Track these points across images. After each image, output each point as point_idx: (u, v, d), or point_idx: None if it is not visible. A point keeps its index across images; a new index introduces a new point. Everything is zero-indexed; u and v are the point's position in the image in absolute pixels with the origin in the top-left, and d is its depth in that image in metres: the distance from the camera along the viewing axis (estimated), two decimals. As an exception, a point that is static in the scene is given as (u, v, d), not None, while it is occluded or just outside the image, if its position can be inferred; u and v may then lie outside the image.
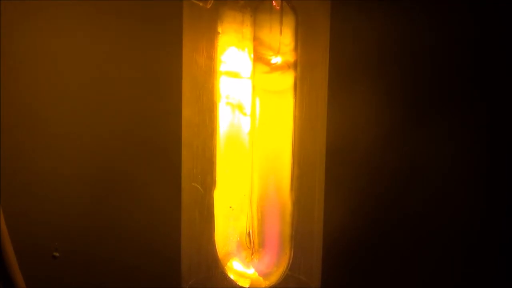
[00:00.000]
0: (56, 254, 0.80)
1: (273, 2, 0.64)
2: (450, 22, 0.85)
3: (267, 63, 0.64)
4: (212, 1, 0.65)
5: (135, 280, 0.83)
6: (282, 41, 0.64)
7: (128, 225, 0.82)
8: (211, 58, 0.66)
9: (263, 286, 0.68)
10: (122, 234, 0.82)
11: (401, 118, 0.86)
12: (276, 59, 0.64)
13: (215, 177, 0.68)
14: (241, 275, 0.69)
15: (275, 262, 0.68)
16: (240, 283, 0.69)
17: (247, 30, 0.64)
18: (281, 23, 0.64)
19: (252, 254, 0.67)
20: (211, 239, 0.69)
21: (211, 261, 0.69)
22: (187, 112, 0.69)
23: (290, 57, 0.65)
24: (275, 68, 0.64)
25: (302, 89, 0.67)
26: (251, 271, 0.68)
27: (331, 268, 0.75)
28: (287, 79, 0.66)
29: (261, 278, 0.68)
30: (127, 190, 0.82)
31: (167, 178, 0.80)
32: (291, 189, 0.68)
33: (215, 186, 0.68)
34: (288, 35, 0.65)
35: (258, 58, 0.64)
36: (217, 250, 0.69)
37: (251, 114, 0.65)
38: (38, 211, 0.78)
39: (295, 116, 0.67)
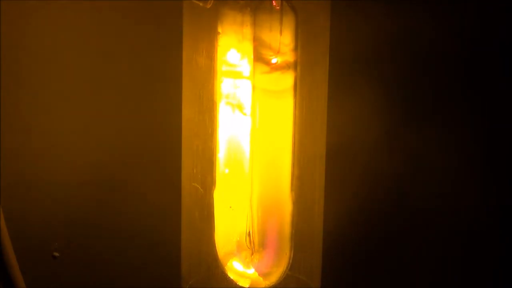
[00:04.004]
0: (56, 254, 0.80)
1: (273, 2, 0.63)
2: (450, 22, 0.85)
3: (267, 63, 0.64)
4: (212, 1, 0.65)
5: (135, 280, 0.83)
6: (282, 41, 0.64)
7: (128, 225, 0.82)
8: (211, 58, 0.66)
9: (263, 286, 0.68)
10: (122, 234, 0.82)
11: (401, 118, 0.86)
12: (276, 59, 0.64)
13: (215, 177, 0.68)
14: (241, 275, 0.69)
15: (275, 262, 0.68)
16: (240, 283, 0.69)
17: (247, 30, 0.64)
18: (281, 23, 0.64)
19: (252, 254, 0.67)
20: (211, 239, 0.69)
21: (211, 261, 0.69)
22: (187, 112, 0.69)
23: (290, 57, 0.65)
24: (275, 68, 0.64)
25: (302, 89, 0.67)
26: (251, 271, 0.68)
27: (331, 268, 0.75)
28: (287, 79, 0.66)
29: (261, 278, 0.68)
30: (127, 190, 0.82)
31: (167, 178, 0.80)
32: (291, 189, 0.68)
33: (215, 186, 0.68)
34: (288, 35, 0.65)
35: (258, 58, 0.64)
36: (217, 250, 0.69)
37: (251, 114, 0.65)
38: (38, 211, 0.78)
39: (295, 116, 0.67)
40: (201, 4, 0.65)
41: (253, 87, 0.65)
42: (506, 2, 0.85)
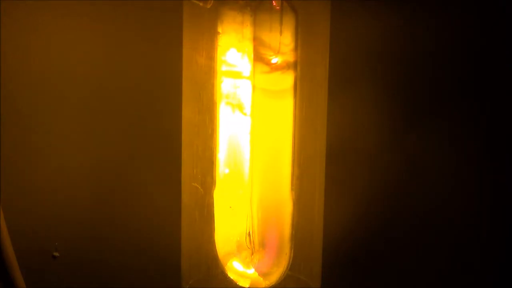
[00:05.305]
0: (56, 254, 0.80)
1: (273, 2, 0.63)
2: (451, 22, 0.85)
3: (267, 63, 0.64)
4: (212, 1, 0.65)
5: (135, 280, 0.83)
6: (282, 41, 0.64)
7: (128, 225, 0.82)
8: (211, 58, 0.66)
9: (263, 286, 0.68)
10: (122, 234, 0.82)
11: (401, 118, 0.86)
12: (276, 59, 0.64)
13: (215, 177, 0.68)
14: (241, 275, 0.69)
15: (275, 262, 0.68)
16: (240, 283, 0.69)
17: (247, 30, 0.64)
18: (281, 23, 0.64)
19: (252, 254, 0.67)
20: (211, 239, 0.69)
21: (211, 261, 0.69)
22: (187, 112, 0.69)
23: (290, 57, 0.65)
24: (275, 68, 0.64)
25: (302, 89, 0.67)
26: (251, 271, 0.68)
27: (331, 268, 0.75)
28: (287, 79, 0.66)
29: (261, 278, 0.68)
30: (127, 190, 0.82)
31: (167, 178, 0.80)
32: (291, 189, 0.68)
33: (215, 186, 0.68)
34: (288, 35, 0.65)
35: (258, 58, 0.64)
36: (217, 250, 0.69)
37: (251, 114, 0.65)
38: (38, 211, 0.78)
39: (295, 116, 0.67)
40: (201, 4, 0.65)
41: (253, 87, 0.65)
42: (506, 2, 0.85)
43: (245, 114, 0.66)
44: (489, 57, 0.86)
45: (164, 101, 0.80)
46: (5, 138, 0.75)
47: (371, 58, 0.85)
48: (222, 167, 0.67)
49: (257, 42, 0.64)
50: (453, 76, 0.87)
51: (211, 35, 0.65)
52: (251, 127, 0.66)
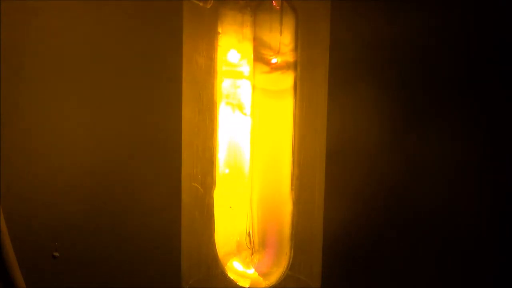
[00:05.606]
0: (56, 254, 0.80)
1: (273, 2, 0.64)
2: (450, 22, 0.85)
3: (267, 63, 0.64)
4: (212, 1, 0.65)
5: (135, 280, 0.83)
6: (282, 41, 0.64)
7: (128, 225, 0.82)
8: (211, 58, 0.66)
9: (263, 286, 0.68)
10: (122, 234, 0.82)
11: (401, 118, 0.86)
12: (276, 59, 0.64)
13: (215, 177, 0.68)
14: (241, 275, 0.69)
15: (275, 262, 0.68)
16: (240, 283, 0.69)
17: (247, 30, 0.64)
18: (281, 23, 0.64)
19: (252, 254, 0.67)
20: (211, 239, 0.69)
21: (211, 261, 0.69)
22: (187, 112, 0.69)
23: (290, 57, 0.65)
24: (275, 68, 0.64)
25: (302, 89, 0.67)
26: (251, 271, 0.68)
27: (331, 268, 0.75)
28: (287, 79, 0.66)
29: (261, 278, 0.68)
30: (127, 190, 0.82)
31: (167, 178, 0.80)
32: (291, 189, 0.68)
33: (215, 186, 0.68)
34: (288, 35, 0.65)
35: (258, 58, 0.64)
36: (217, 250, 0.69)
37: (251, 114, 0.65)
38: (38, 211, 0.78)
39: (295, 116, 0.67)
40: (201, 4, 0.65)
41: (253, 87, 0.65)
42: (505, 3, 0.85)
43: (245, 114, 0.66)
44: (489, 57, 0.86)
45: (164, 101, 0.80)
46: (5, 138, 0.75)
47: (371, 58, 0.85)
48: (222, 167, 0.68)
49: (257, 42, 0.64)
50: (453, 76, 0.87)
51: (211, 35, 0.65)
52: (251, 127, 0.66)
